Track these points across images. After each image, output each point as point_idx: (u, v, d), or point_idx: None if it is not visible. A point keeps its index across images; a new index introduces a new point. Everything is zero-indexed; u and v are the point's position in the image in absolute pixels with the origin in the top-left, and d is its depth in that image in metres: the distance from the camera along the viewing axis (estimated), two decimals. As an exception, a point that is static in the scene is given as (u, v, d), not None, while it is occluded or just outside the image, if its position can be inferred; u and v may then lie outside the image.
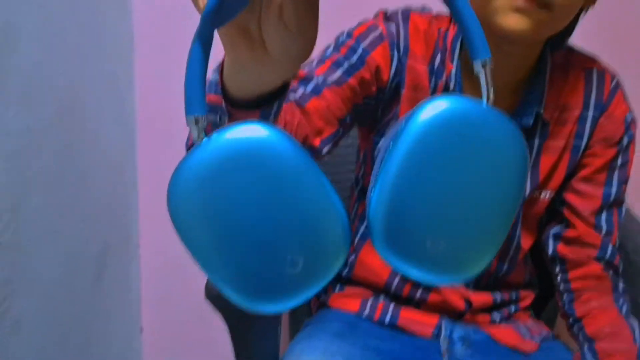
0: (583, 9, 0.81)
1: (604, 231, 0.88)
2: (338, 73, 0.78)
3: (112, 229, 1.37)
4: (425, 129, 0.37)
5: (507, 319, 0.94)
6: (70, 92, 1.16)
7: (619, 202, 0.89)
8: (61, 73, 1.13)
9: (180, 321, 1.54)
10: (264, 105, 0.54)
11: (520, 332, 0.92)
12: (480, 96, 0.79)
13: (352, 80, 0.79)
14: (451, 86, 0.82)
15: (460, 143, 0.37)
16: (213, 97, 0.58)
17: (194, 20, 1.40)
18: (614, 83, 0.87)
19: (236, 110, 0.55)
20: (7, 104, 0.98)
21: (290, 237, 0.37)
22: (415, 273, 0.39)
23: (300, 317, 1.14)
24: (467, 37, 0.40)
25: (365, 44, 0.81)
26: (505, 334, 0.91)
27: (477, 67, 0.40)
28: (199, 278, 1.42)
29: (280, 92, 0.53)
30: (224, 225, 0.37)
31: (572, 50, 0.88)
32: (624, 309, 0.88)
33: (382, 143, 0.41)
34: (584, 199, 0.88)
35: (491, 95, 0.40)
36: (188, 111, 0.38)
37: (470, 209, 0.38)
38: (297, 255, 0.37)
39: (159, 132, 1.44)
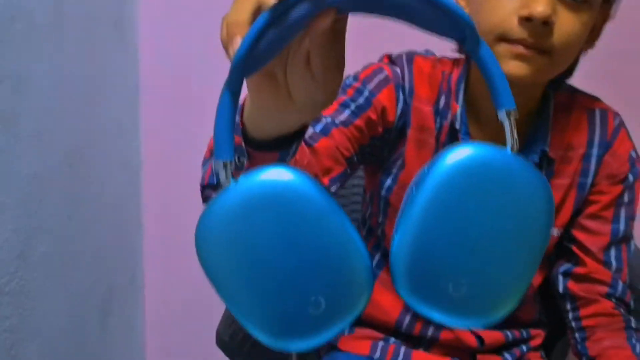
0: (582, 50, 0.82)
1: (613, 268, 0.88)
2: (345, 114, 0.79)
3: (117, 273, 1.37)
4: (448, 175, 0.38)
5: (519, 359, 0.94)
6: (77, 139, 1.17)
7: (627, 238, 0.89)
8: (69, 121, 1.14)
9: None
10: (283, 147, 0.54)
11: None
12: (486, 135, 0.80)
13: (358, 121, 0.79)
14: (457, 126, 0.83)
15: (483, 190, 0.38)
16: None
17: (198, 70, 1.44)
18: (617, 122, 0.88)
19: (255, 151, 0.55)
20: (16, 151, 0.99)
21: (315, 278, 0.38)
22: (438, 317, 0.39)
23: (309, 361, 1.13)
24: (492, 87, 0.41)
25: (371, 86, 0.82)
26: (517, 377, 0.90)
27: (502, 116, 0.41)
28: (204, 323, 1.42)
29: (298, 134, 0.53)
30: (251, 265, 0.38)
31: (575, 92, 0.89)
32: (637, 348, 0.87)
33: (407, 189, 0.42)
34: (592, 235, 0.88)
35: (515, 144, 0.40)
36: (217, 156, 0.39)
37: (494, 254, 0.38)
38: (321, 296, 0.38)
39: (163, 177, 1.45)
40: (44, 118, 1.06)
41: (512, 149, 0.40)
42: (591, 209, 0.88)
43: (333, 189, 0.77)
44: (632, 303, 0.90)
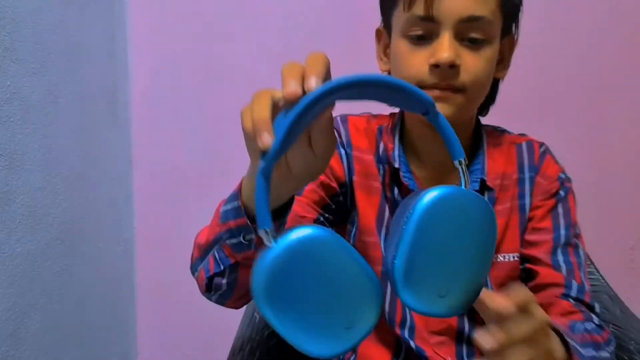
0: (498, 78, 0.91)
1: (564, 270, 0.89)
2: None
3: (110, 351, 1.35)
4: (427, 210, 0.52)
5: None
6: (70, 215, 1.18)
7: (572, 244, 0.91)
8: (62, 197, 1.15)
9: None
10: (279, 217, 0.65)
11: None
12: (428, 171, 0.92)
13: (311, 186, 0.88)
14: (396, 165, 0.90)
15: (451, 218, 0.53)
16: (233, 222, 0.68)
17: (188, 146, 1.46)
18: (542, 149, 0.95)
19: (256, 225, 0.60)
20: (9, 229, 0.99)
21: (343, 303, 0.51)
22: (428, 309, 0.54)
23: None
24: (448, 144, 0.56)
25: None
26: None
27: (456, 164, 0.56)
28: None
29: (289, 204, 0.62)
30: (297, 299, 0.50)
31: (504, 131, 0.98)
32: (578, 325, 0.85)
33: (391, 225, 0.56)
34: (538, 246, 0.91)
35: (467, 183, 0.56)
36: (260, 226, 0.51)
37: (462, 262, 0.54)
38: (350, 317, 0.52)
39: (156, 251, 1.46)
40: (37, 194, 1.07)
41: (466, 186, 0.56)
42: (531, 224, 0.92)
43: None
44: (596, 306, 0.89)
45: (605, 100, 1.42)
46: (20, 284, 1.02)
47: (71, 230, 1.18)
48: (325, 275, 0.51)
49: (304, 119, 0.51)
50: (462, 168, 0.56)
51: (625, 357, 0.95)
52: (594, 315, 0.88)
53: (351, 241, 0.93)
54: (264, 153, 0.50)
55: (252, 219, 0.66)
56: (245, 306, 1.10)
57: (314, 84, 0.50)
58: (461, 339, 0.93)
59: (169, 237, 1.46)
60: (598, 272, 1.12)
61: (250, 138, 0.53)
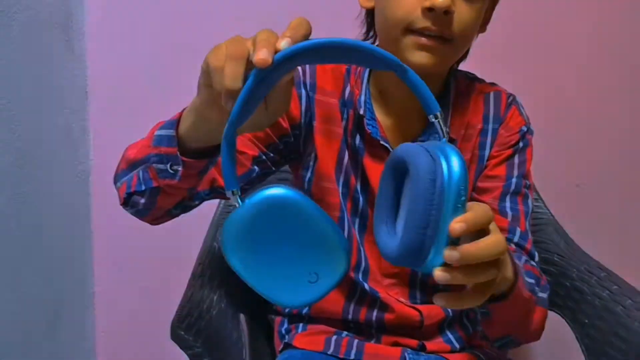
0: (476, 35, 0.91)
1: (509, 216, 0.91)
2: None
3: (67, 279, 1.35)
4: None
5: (467, 347, 0.97)
6: (26, 143, 1.16)
7: (521, 193, 0.93)
8: (18, 123, 1.13)
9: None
10: (212, 155, 0.70)
11: (480, 358, 0.94)
12: (394, 119, 0.92)
13: None
14: (361, 112, 0.89)
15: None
16: (164, 149, 0.70)
17: (147, 73, 1.44)
18: (509, 100, 0.95)
19: (190, 159, 0.70)
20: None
21: (309, 258, 0.54)
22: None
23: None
24: (421, 99, 0.58)
25: None
26: (466, 362, 0.94)
27: (431, 119, 0.58)
28: (155, 328, 1.41)
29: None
30: (264, 254, 0.54)
31: (473, 79, 0.98)
32: (522, 259, 0.88)
33: None
34: (488, 193, 0.93)
35: (446, 135, 0.58)
36: (227, 187, 0.54)
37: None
38: (315, 270, 0.55)
39: (112, 181, 1.44)
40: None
41: (445, 138, 0.58)
42: (485, 172, 0.94)
43: (242, 185, 0.86)
44: (536, 255, 0.93)
45: (556, 44, 1.45)
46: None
47: (26, 158, 1.16)
48: (291, 232, 0.53)
49: (266, 84, 0.53)
50: (438, 121, 0.58)
51: (567, 283, 1.01)
52: (534, 263, 0.91)
53: (306, 187, 0.93)
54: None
55: (183, 151, 0.69)
56: (204, 236, 1.12)
57: (282, 46, 0.52)
58: (414, 282, 0.95)
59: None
60: (546, 207, 1.17)
61: (213, 75, 0.55)
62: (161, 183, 0.74)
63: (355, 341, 0.94)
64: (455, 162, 0.54)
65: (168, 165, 0.71)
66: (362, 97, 0.90)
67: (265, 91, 0.54)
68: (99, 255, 1.47)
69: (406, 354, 0.92)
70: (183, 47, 1.39)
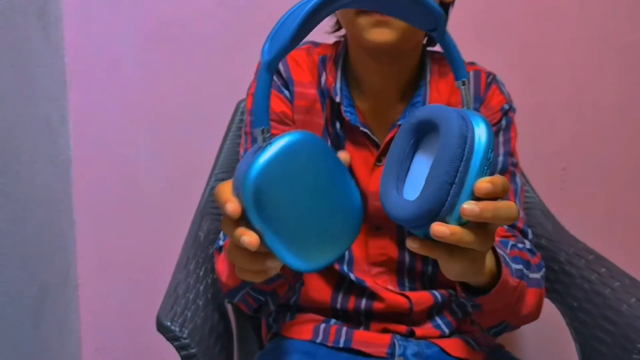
0: (448, 4, 0.90)
1: None
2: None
3: (50, 271, 1.33)
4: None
5: (456, 332, 0.97)
6: (4, 133, 1.13)
7: (508, 171, 0.92)
8: (-5, 112, 1.10)
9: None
10: None
11: (469, 343, 0.94)
12: (370, 105, 0.91)
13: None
14: (337, 99, 0.89)
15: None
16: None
17: (127, 61, 1.41)
18: (489, 79, 0.95)
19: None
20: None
21: (328, 218, 0.54)
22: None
23: (252, 349, 1.14)
24: (452, 64, 0.59)
25: None
26: (455, 346, 0.93)
27: (458, 85, 0.59)
28: (140, 320, 1.40)
29: None
30: (282, 204, 0.52)
31: None
32: (509, 245, 0.88)
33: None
34: None
35: (469, 103, 0.59)
36: (256, 124, 0.51)
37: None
38: (333, 226, 0.54)
39: (94, 172, 1.42)
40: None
41: (468, 106, 0.59)
42: None
43: None
44: (529, 232, 0.93)
45: (541, 23, 1.45)
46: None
47: (4, 150, 1.13)
48: (312, 182, 0.52)
49: (308, 26, 0.51)
50: (464, 88, 0.59)
51: (556, 267, 1.01)
52: (526, 241, 0.91)
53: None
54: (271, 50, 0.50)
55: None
56: (190, 225, 1.10)
57: None
58: (402, 269, 0.95)
59: (106, 159, 1.43)
60: (533, 190, 1.17)
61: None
62: (269, 288, 0.83)
63: (344, 328, 0.94)
64: (483, 127, 0.55)
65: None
66: (338, 85, 0.89)
67: (306, 32, 0.52)
68: (82, 247, 1.45)
69: (395, 340, 0.92)
70: (164, 33, 1.36)
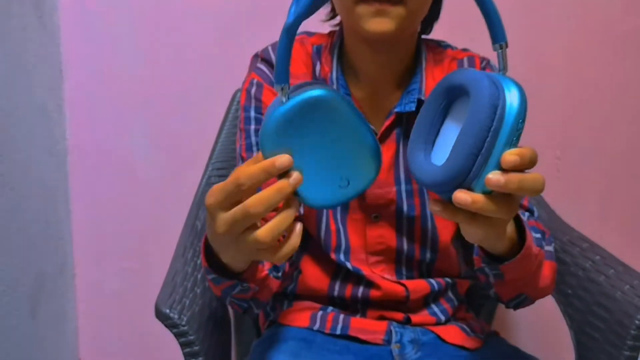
0: None
1: None
2: (249, 140, 0.91)
3: (46, 260, 1.33)
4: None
5: (452, 319, 0.97)
6: (2, 121, 1.13)
7: None
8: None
9: (119, 350, 1.51)
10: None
11: (465, 330, 0.95)
12: (366, 93, 0.92)
13: None
14: (333, 88, 0.88)
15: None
16: (227, 283, 0.78)
17: (123, 50, 1.41)
18: (483, 64, 0.95)
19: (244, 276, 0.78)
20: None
21: (343, 161, 0.58)
22: None
23: (249, 336, 1.14)
24: (489, 25, 0.58)
25: (252, 103, 0.91)
26: (451, 333, 0.94)
27: (496, 48, 0.59)
28: (137, 309, 1.40)
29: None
30: (300, 152, 0.56)
31: (447, 47, 0.97)
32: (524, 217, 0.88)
33: None
34: None
35: (506, 68, 0.58)
36: (277, 81, 0.55)
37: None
38: (347, 174, 0.59)
39: (90, 160, 1.42)
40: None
41: (505, 72, 0.58)
42: None
43: None
44: (535, 211, 0.93)
45: (537, 10, 1.45)
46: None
47: (1, 137, 1.13)
48: (330, 133, 0.56)
49: None
50: (502, 52, 0.58)
51: (551, 255, 1.01)
52: (536, 217, 0.92)
53: None
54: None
55: (238, 274, 0.76)
56: (187, 215, 1.11)
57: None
58: (400, 258, 0.95)
59: (102, 148, 1.43)
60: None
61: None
62: (249, 295, 0.82)
63: (341, 316, 0.94)
64: (516, 94, 0.54)
65: (239, 287, 0.78)
66: (334, 74, 0.90)
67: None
68: (79, 236, 1.45)
69: (392, 327, 0.93)
70: (160, 22, 1.36)
